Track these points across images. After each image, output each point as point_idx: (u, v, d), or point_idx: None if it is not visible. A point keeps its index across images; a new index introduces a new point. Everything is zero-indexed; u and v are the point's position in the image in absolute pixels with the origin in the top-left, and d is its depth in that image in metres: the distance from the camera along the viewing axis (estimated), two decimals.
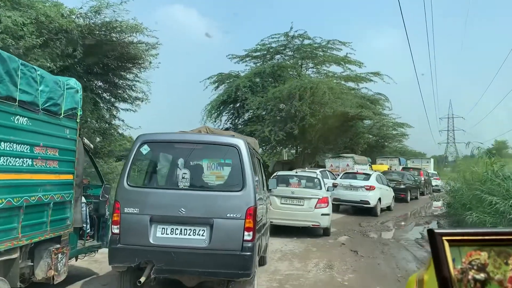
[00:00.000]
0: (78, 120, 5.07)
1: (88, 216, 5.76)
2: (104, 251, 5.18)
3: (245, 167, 4.51)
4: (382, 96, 29.37)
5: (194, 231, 4.37)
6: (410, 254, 8.52)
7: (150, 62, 13.85)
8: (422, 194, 23.21)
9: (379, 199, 14.45)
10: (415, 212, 16.84)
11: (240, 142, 4.67)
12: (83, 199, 5.56)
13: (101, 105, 14.18)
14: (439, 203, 16.79)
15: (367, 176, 15.19)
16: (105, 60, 12.96)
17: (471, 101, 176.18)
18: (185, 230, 4.38)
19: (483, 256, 0.66)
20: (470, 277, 0.66)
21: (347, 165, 20.40)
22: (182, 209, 4.36)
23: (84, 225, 5.58)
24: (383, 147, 37.80)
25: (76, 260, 5.66)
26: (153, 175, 5.28)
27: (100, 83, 14.30)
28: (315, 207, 9.33)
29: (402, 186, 18.43)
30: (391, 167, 26.17)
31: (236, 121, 27.23)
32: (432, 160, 37.83)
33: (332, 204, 14.33)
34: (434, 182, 27.86)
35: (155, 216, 4.40)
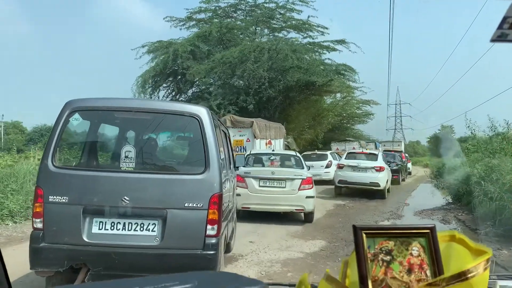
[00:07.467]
0: None
1: None
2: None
3: (209, 143, 3.60)
4: (347, 68, 25.52)
5: (142, 225, 3.51)
6: None
7: None
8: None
9: (387, 180, 13.42)
10: (412, 201, 13.14)
11: (201, 111, 3.73)
12: None
13: None
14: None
15: (374, 156, 13.85)
16: None
17: (418, 88, 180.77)
18: (130, 225, 3.50)
19: (390, 244, 0.88)
20: (379, 258, 0.87)
21: (353, 148, 19.48)
22: (126, 197, 3.46)
23: None
24: (346, 129, 34.26)
25: None
26: (86, 153, 4.21)
27: None
28: (299, 189, 8.25)
29: (395, 167, 17.41)
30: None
31: (178, 97, 22.21)
32: (402, 143, 35.20)
33: (336, 186, 13.29)
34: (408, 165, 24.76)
35: (89, 206, 3.50)
